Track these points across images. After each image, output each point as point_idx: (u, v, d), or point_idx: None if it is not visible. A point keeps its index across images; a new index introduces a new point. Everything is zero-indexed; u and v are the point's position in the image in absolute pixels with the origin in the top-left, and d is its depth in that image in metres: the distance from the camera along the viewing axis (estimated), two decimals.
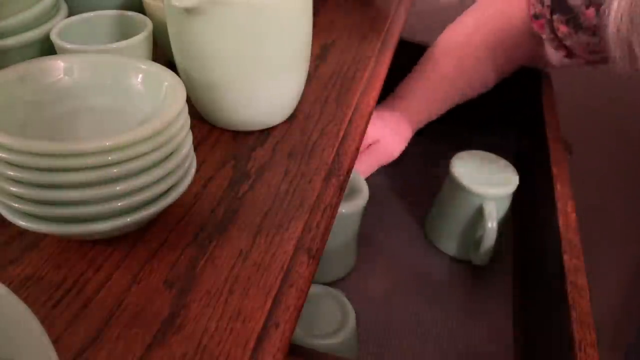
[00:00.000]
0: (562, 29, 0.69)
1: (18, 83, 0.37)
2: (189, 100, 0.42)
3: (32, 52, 0.45)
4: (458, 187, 0.72)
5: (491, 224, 0.68)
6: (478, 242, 0.71)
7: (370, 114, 0.53)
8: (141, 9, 0.51)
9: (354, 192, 0.68)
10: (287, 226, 0.39)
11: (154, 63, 0.39)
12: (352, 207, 0.66)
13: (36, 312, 0.31)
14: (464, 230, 0.73)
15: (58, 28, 0.44)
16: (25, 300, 0.32)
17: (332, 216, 0.41)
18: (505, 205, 0.72)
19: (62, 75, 0.39)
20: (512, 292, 0.72)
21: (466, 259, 0.74)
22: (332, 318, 0.59)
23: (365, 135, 0.68)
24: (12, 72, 0.37)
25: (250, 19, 0.41)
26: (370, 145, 0.76)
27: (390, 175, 0.87)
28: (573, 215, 0.61)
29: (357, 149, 0.48)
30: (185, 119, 0.36)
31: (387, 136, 0.78)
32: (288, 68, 0.45)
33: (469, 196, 0.71)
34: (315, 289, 0.62)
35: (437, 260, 0.76)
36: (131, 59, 0.39)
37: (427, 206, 0.80)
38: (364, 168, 0.76)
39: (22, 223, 0.33)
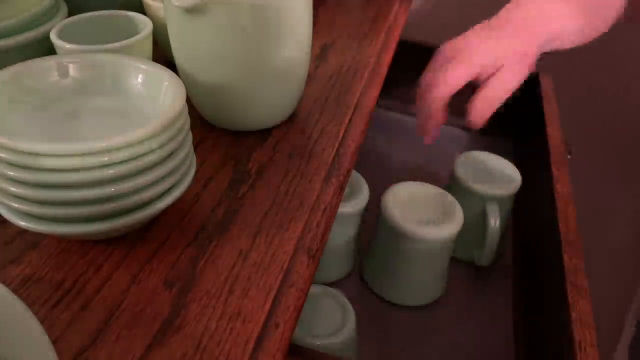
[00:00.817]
0: None
1: (18, 83, 0.37)
2: (188, 101, 0.42)
3: (32, 52, 0.45)
4: (461, 188, 0.72)
5: (494, 225, 0.68)
6: (481, 243, 0.71)
7: (370, 113, 0.53)
8: (141, 9, 0.51)
9: (355, 192, 0.68)
10: (287, 226, 0.39)
11: (154, 63, 0.39)
12: (352, 207, 0.66)
13: (36, 312, 0.31)
14: (467, 231, 0.73)
15: (58, 28, 0.44)
16: (25, 300, 0.32)
17: (332, 216, 0.41)
18: (507, 205, 0.73)
19: (62, 76, 0.39)
20: (512, 292, 0.72)
21: (469, 260, 0.74)
22: (332, 318, 0.59)
23: (475, 60, 0.53)
24: (11, 72, 0.37)
25: (250, 18, 0.41)
26: (484, 79, 0.57)
27: (391, 175, 0.87)
28: (573, 215, 0.60)
29: (357, 149, 0.48)
30: (185, 119, 0.36)
31: (508, 64, 0.57)
32: (288, 68, 0.45)
33: (471, 197, 0.71)
34: (315, 289, 0.61)
35: None
36: (131, 59, 0.39)
37: None
38: (480, 111, 0.58)
39: (22, 223, 0.33)
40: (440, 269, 0.68)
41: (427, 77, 0.59)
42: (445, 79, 0.56)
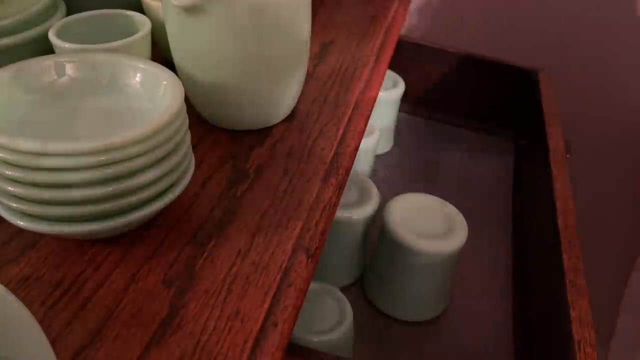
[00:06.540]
0: None
1: (16, 82, 0.37)
2: (187, 100, 0.42)
3: (31, 52, 0.44)
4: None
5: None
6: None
7: (370, 113, 0.53)
8: (140, 9, 0.51)
9: (365, 198, 0.67)
10: (286, 226, 0.39)
11: (152, 62, 0.39)
12: (363, 213, 0.65)
13: (34, 312, 0.31)
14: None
15: (56, 27, 0.44)
16: (24, 299, 0.32)
17: (331, 215, 0.41)
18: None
19: (60, 75, 0.38)
20: (512, 292, 0.72)
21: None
22: (329, 315, 0.58)
23: None
24: (10, 72, 0.37)
25: (249, 18, 0.41)
26: None
27: (390, 174, 0.87)
28: (573, 215, 0.60)
29: (356, 149, 0.48)
30: (183, 119, 0.36)
31: None
32: (287, 67, 0.45)
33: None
34: (312, 285, 0.61)
35: None
36: (129, 58, 0.39)
37: None
38: None
39: (20, 223, 0.33)
40: (442, 285, 0.66)
41: None
42: None
